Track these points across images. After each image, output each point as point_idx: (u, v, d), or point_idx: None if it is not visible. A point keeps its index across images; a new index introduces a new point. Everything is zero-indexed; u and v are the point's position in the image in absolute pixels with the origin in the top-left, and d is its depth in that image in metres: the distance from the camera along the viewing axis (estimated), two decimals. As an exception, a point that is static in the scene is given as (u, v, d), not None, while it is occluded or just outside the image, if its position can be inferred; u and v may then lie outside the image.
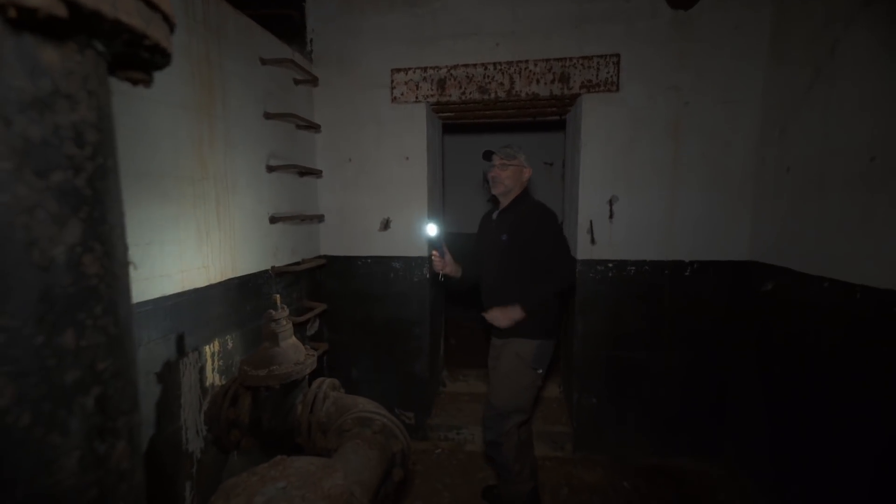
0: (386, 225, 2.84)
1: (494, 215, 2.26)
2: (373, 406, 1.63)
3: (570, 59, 2.55)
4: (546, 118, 3.15)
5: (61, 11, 0.36)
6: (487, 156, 2.21)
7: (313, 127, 2.62)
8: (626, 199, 2.59)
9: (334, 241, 2.86)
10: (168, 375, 1.58)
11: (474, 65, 2.65)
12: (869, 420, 1.64)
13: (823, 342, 1.89)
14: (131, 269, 0.48)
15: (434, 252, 2.25)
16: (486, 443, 2.22)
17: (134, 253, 1.35)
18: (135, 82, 0.51)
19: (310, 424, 1.69)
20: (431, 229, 2.23)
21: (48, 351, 0.39)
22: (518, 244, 2.09)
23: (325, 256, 2.83)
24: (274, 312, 1.75)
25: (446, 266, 2.26)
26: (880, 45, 1.63)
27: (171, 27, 0.48)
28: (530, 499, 2.21)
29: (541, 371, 2.15)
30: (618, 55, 2.49)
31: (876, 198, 1.63)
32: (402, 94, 2.73)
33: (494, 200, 2.29)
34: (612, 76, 2.52)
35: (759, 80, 2.38)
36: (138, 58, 0.48)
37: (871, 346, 1.64)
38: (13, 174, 0.37)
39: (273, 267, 2.24)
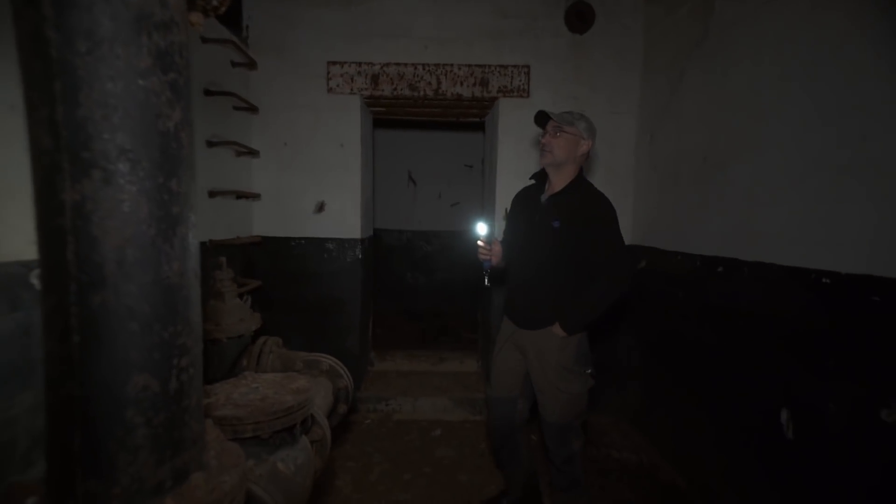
0: (321, 207, 2.99)
1: (543, 198, 1.90)
2: (318, 354, 1.81)
3: (489, 66, 2.94)
4: (468, 119, 3.52)
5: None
6: (541, 119, 1.85)
7: (251, 108, 2.71)
8: (535, 190, 3.03)
9: (269, 221, 2.95)
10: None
11: (405, 64, 2.93)
12: (697, 340, 2.19)
13: (678, 297, 2.44)
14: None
15: (480, 241, 1.98)
16: (559, 461, 1.92)
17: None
18: (192, 24, 0.71)
19: (255, 376, 1.82)
20: (482, 228, 2.03)
21: (164, 189, 0.59)
22: (572, 235, 1.76)
23: (259, 236, 2.90)
24: (220, 273, 1.86)
25: (494, 257, 1.98)
26: (706, 73, 2.20)
27: (229, -10, 0.70)
28: None
29: (590, 370, 1.88)
30: (528, 66, 2.93)
31: (704, 188, 2.20)
32: (337, 86, 2.92)
33: (538, 177, 2.00)
34: (523, 83, 2.95)
35: (636, 94, 2.95)
36: (206, 4, 0.69)
37: (703, 295, 2.20)
38: (151, 69, 0.57)
39: (210, 240, 2.30)
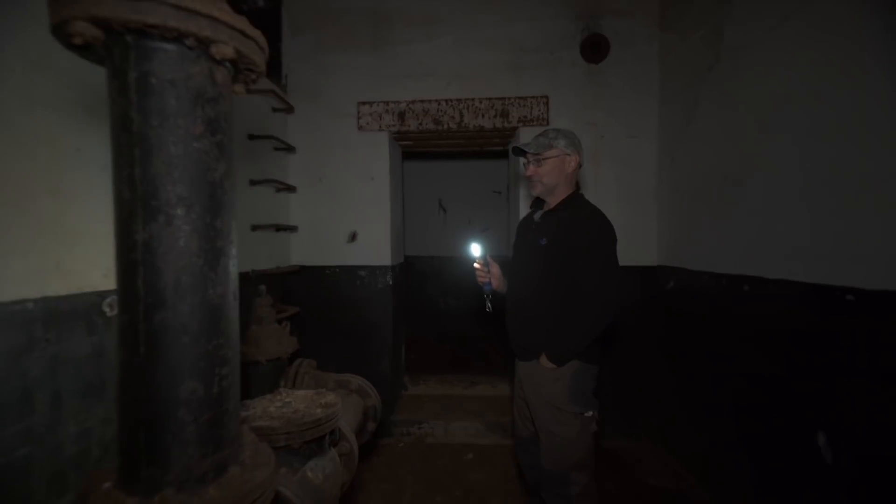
0: (353, 237, 3.17)
1: (537, 216, 1.84)
2: (349, 375, 1.92)
3: (509, 98, 3.08)
4: (492, 147, 3.66)
5: (233, 55, 0.72)
6: (518, 152, 1.83)
7: (289, 149, 2.96)
8: (558, 214, 3.09)
9: (306, 251, 3.15)
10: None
11: (429, 100, 3.12)
12: (730, 363, 2.14)
13: (707, 317, 2.40)
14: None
15: (478, 263, 1.91)
16: None
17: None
18: (235, 93, 0.87)
19: (291, 396, 1.94)
20: (475, 249, 1.94)
21: (211, 227, 0.72)
22: (560, 253, 1.66)
23: (297, 265, 3.11)
24: (260, 300, 2.03)
25: (493, 279, 1.90)
26: (719, 95, 2.24)
27: (265, 60, 0.85)
28: None
29: (590, 413, 1.67)
30: (546, 96, 3.05)
31: (724, 206, 2.20)
32: (367, 124, 3.15)
33: (536, 201, 1.93)
34: (542, 113, 3.07)
35: (654, 118, 3.00)
36: (246, 77, 0.84)
37: (727, 314, 2.17)
38: (203, 133, 0.72)
39: (253, 270, 2.50)
